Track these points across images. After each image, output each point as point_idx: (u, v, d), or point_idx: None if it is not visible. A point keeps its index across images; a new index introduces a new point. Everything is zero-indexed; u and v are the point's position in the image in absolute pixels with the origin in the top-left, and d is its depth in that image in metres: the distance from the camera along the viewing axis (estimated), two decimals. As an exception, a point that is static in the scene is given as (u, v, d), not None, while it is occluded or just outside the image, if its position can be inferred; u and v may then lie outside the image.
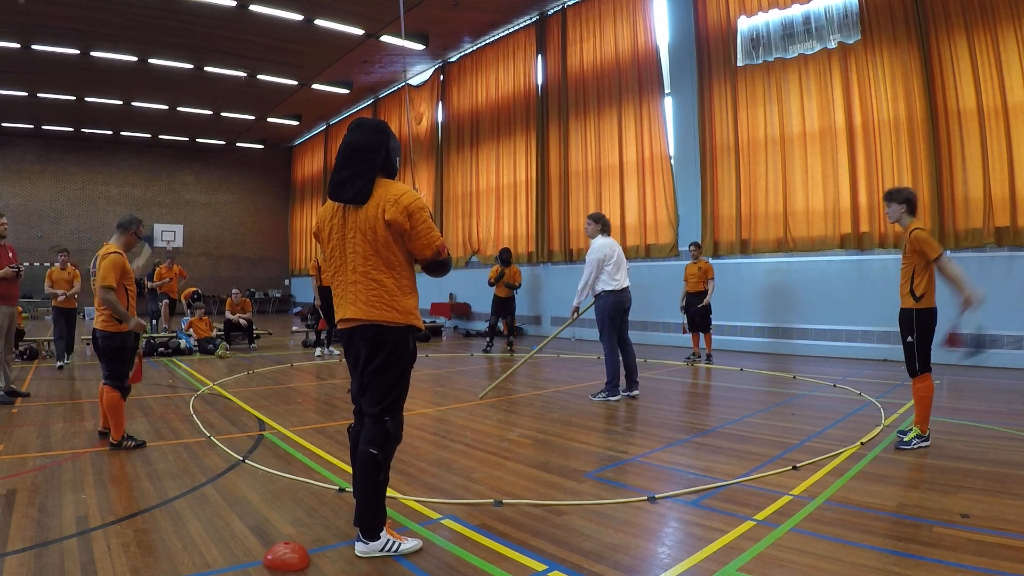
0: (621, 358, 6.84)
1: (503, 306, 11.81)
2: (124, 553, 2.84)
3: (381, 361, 2.82)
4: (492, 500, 3.55)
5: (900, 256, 5.01)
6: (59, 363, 9.41)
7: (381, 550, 2.82)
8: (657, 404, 6.59)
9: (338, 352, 11.13)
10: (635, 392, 6.87)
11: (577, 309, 7.05)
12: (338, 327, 2.99)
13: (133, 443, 4.72)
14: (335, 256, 2.92)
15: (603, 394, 6.75)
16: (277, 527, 3.18)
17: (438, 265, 2.93)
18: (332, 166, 2.98)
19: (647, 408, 6.35)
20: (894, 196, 4.75)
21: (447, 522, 3.26)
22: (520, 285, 12.08)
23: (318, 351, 11.38)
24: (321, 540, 3.02)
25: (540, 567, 2.73)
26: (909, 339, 4.60)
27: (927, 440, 4.60)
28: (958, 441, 4.80)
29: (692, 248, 9.83)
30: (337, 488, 3.77)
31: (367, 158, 2.84)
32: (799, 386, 7.56)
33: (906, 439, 4.59)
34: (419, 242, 2.82)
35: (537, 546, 2.96)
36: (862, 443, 4.72)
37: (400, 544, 2.87)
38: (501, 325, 12.06)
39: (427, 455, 4.62)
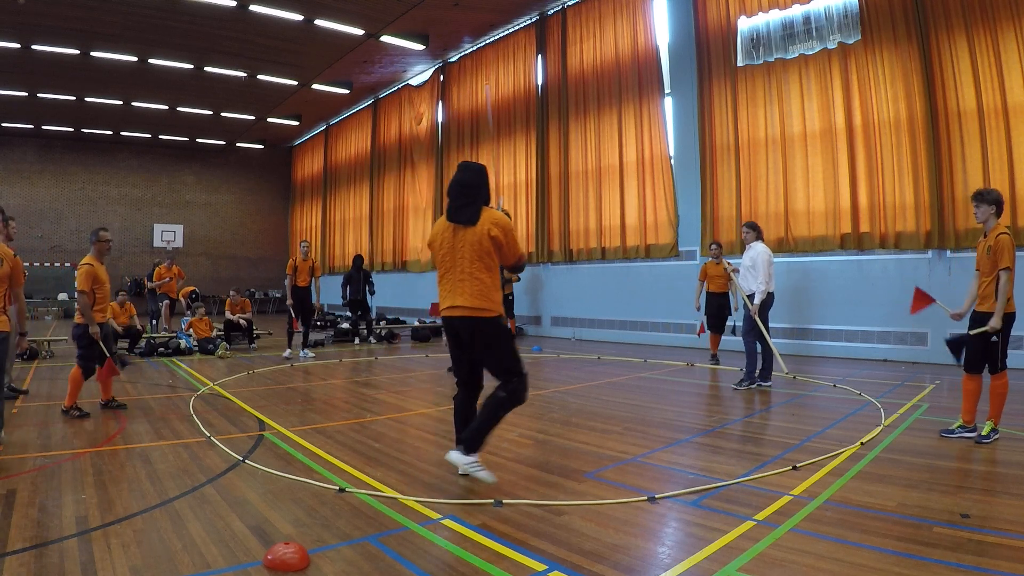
0: (760, 351, 7.30)
1: None
2: (124, 553, 2.84)
3: (486, 345, 3.85)
4: (492, 500, 3.56)
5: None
6: None
7: (468, 464, 3.75)
8: (657, 404, 6.59)
9: (313, 355, 10.87)
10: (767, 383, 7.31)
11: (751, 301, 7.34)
12: (443, 314, 3.95)
13: (78, 413, 5.81)
14: (445, 260, 3.90)
15: (745, 383, 7.25)
16: (277, 527, 3.18)
17: (520, 268, 4.10)
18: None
19: (647, 408, 6.35)
20: (984, 197, 4.79)
21: (447, 522, 3.26)
22: None
23: (287, 352, 10.96)
24: (321, 540, 3.02)
25: (540, 567, 2.73)
26: (994, 339, 4.68)
27: (997, 432, 4.79)
28: (958, 441, 4.80)
29: (714, 248, 9.32)
30: (337, 488, 3.77)
31: (474, 192, 3.91)
32: (799, 386, 7.56)
33: (984, 432, 4.74)
34: (510, 252, 3.91)
35: (537, 546, 2.96)
36: (862, 443, 4.72)
37: (481, 471, 3.76)
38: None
39: (427, 455, 4.62)
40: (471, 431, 3.79)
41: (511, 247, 3.88)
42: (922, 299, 5.37)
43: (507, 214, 4.15)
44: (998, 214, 4.77)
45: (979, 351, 4.79)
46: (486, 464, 4.29)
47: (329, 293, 24.42)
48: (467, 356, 3.98)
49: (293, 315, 10.96)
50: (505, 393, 3.79)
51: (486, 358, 3.92)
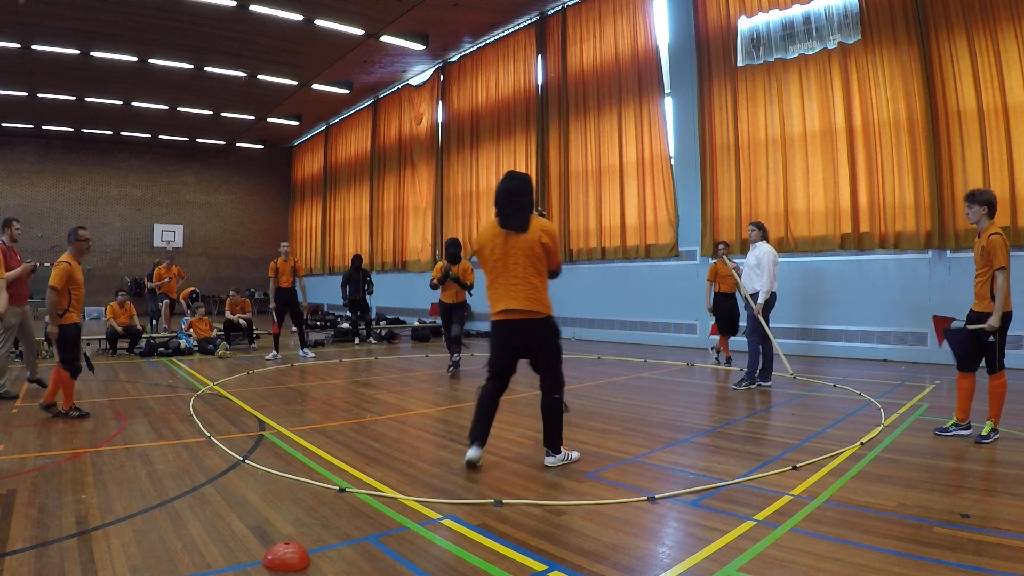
0: (762, 351, 7.27)
1: (451, 314, 9.01)
2: (124, 553, 2.84)
3: (540, 343, 4.20)
4: (492, 500, 3.56)
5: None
6: None
7: (562, 460, 4.25)
8: (657, 404, 6.59)
9: (313, 355, 10.72)
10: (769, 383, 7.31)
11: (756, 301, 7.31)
12: (496, 318, 4.21)
13: (77, 414, 5.76)
14: (497, 266, 4.16)
15: (745, 383, 7.23)
16: (277, 527, 3.18)
17: (557, 274, 4.30)
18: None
19: (647, 408, 6.35)
20: (977, 198, 4.84)
21: (447, 522, 3.26)
22: (472, 285, 8.93)
23: (271, 355, 10.46)
24: (321, 540, 3.02)
25: (540, 567, 2.73)
26: (991, 339, 4.72)
27: (997, 432, 4.79)
28: (958, 441, 4.80)
29: (723, 248, 9.00)
30: (337, 488, 3.77)
31: (524, 200, 4.16)
32: (799, 386, 7.56)
33: (984, 433, 4.75)
34: (554, 259, 4.22)
35: (537, 546, 2.96)
36: (862, 443, 4.72)
37: (572, 455, 4.34)
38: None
39: (427, 455, 4.63)
40: (548, 438, 4.26)
41: (555, 254, 4.22)
42: (943, 323, 5.35)
43: (542, 213, 4.48)
44: (990, 215, 4.81)
45: (973, 349, 4.83)
46: (485, 463, 4.31)
47: (329, 293, 24.43)
48: (511, 355, 4.25)
49: (276, 319, 10.55)
50: (557, 395, 4.24)
51: (537, 355, 4.25)
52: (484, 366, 4.47)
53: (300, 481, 3.93)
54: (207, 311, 13.45)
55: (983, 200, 4.80)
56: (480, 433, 4.23)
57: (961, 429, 4.91)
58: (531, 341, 4.19)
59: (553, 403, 4.23)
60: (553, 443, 4.26)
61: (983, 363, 4.84)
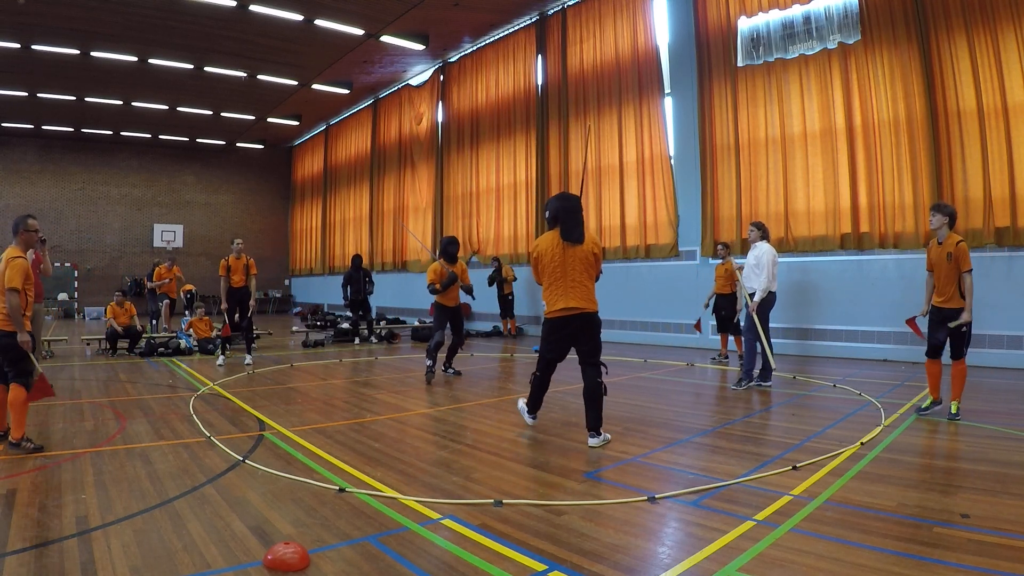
0: (760, 351, 7.34)
1: (450, 317, 8.41)
2: (124, 553, 2.84)
3: (592, 334, 4.97)
4: (492, 500, 3.55)
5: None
6: None
7: (603, 440, 4.82)
8: (657, 404, 6.59)
9: (250, 360, 9.84)
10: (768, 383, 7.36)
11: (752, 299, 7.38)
12: (554, 314, 4.97)
13: (31, 445, 4.64)
14: (556, 271, 4.94)
15: (744, 382, 7.31)
16: (277, 527, 3.18)
17: (599, 277, 5.11)
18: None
19: (647, 408, 6.35)
20: (942, 209, 5.52)
21: (447, 522, 3.26)
22: (472, 287, 8.70)
23: (221, 359, 9.96)
24: (321, 540, 3.02)
25: (540, 567, 2.73)
26: (964, 328, 5.43)
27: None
28: (958, 441, 4.80)
29: (721, 249, 9.45)
30: (337, 488, 3.77)
31: (579, 216, 5.01)
32: (799, 386, 7.56)
33: (953, 411, 5.52)
34: (599, 266, 5.08)
35: (537, 546, 2.96)
36: (862, 443, 4.72)
37: (607, 436, 4.91)
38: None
39: (427, 455, 4.63)
40: (592, 420, 4.84)
41: (600, 262, 5.11)
42: (914, 326, 6.20)
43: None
44: (951, 225, 5.48)
45: (943, 341, 5.58)
46: (485, 461, 4.32)
47: (329, 293, 24.43)
48: (566, 345, 5.04)
49: (227, 320, 9.84)
50: (600, 380, 4.87)
51: (589, 344, 4.96)
52: (536, 350, 5.43)
53: (300, 481, 3.93)
54: (207, 311, 13.44)
55: (948, 212, 5.46)
56: (536, 405, 5.30)
57: (936, 405, 5.72)
58: (584, 332, 4.93)
59: (596, 387, 4.85)
60: (595, 424, 4.82)
61: (948, 351, 5.58)
